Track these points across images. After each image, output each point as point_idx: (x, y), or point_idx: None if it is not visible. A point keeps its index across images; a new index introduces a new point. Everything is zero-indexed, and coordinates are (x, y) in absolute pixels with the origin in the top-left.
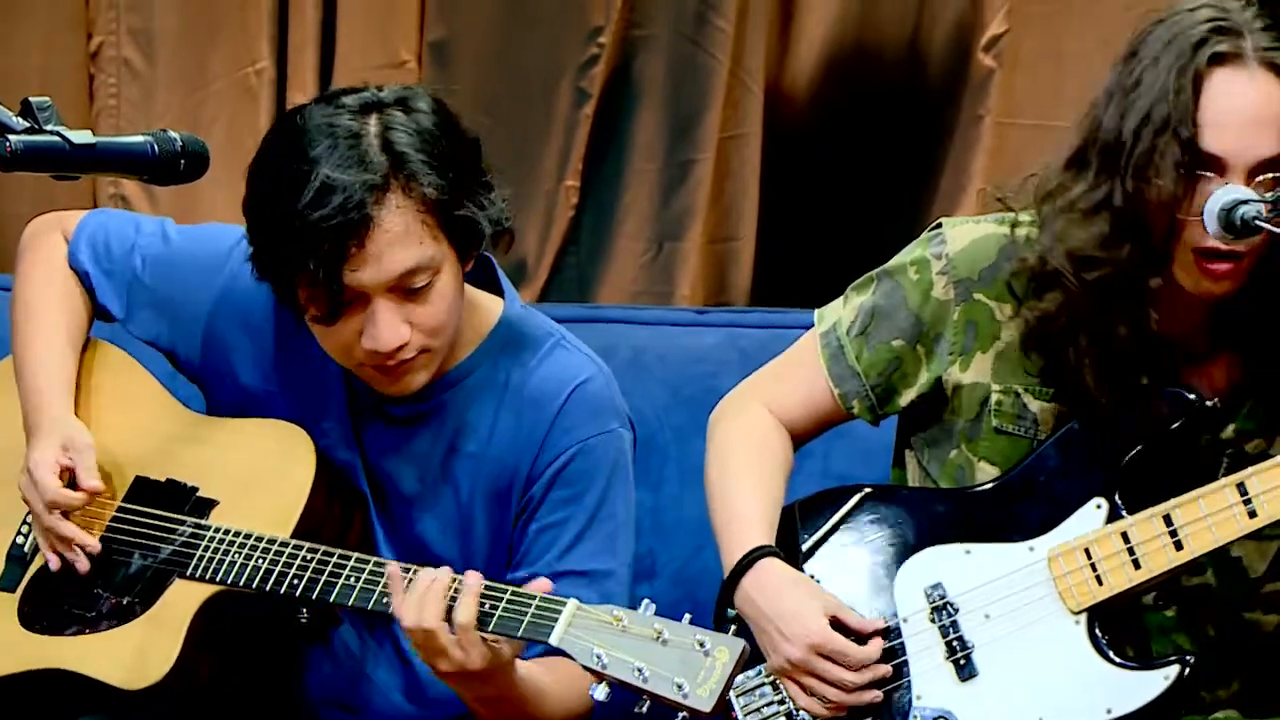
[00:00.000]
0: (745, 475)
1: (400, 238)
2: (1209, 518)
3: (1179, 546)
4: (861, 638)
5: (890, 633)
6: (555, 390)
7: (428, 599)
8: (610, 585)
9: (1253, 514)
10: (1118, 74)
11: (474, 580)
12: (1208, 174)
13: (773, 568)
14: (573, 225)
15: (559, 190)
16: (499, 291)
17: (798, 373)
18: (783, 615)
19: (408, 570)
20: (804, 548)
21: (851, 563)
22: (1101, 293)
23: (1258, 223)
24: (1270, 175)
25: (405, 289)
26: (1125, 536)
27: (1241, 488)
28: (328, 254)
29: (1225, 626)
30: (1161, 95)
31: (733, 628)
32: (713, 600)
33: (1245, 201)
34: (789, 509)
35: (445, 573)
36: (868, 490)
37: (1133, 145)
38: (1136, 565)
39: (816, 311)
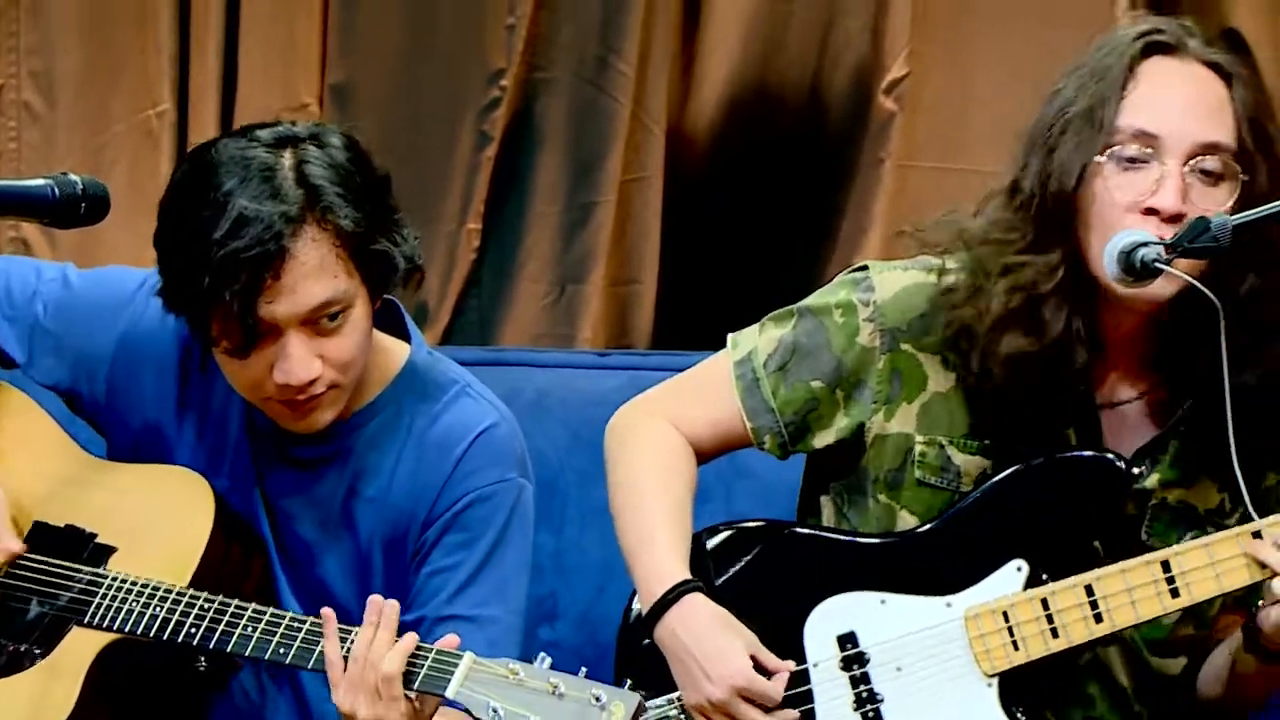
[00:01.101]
0: (658, 498)
1: (315, 270)
2: (1131, 591)
3: (1099, 619)
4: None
5: (799, 677)
6: (458, 437)
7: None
8: (497, 632)
9: (1175, 594)
10: (1058, 78)
11: (410, 639)
12: (1142, 154)
13: (698, 604)
14: (474, 268)
15: (461, 233)
16: (405, 336)
17: (708, 395)
18: (707, 654)
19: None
20: (716, 582)
21: (762, 600)
22: (1007, 275)
23: (1157, 264)
24: (1208, 159)
25: (318, 323)
26: (1045, 603)
27: (1165, 565)
28: (244, 286)
29: (1138, 675)
30: (1090, 78)
31: (629, 682)
32: (615, 642)
33: (1145, 244)
34: (699, 539)
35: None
36: (782, 527)
37: (1051, 129)
38: (1055, 634)
39: (730, 336)
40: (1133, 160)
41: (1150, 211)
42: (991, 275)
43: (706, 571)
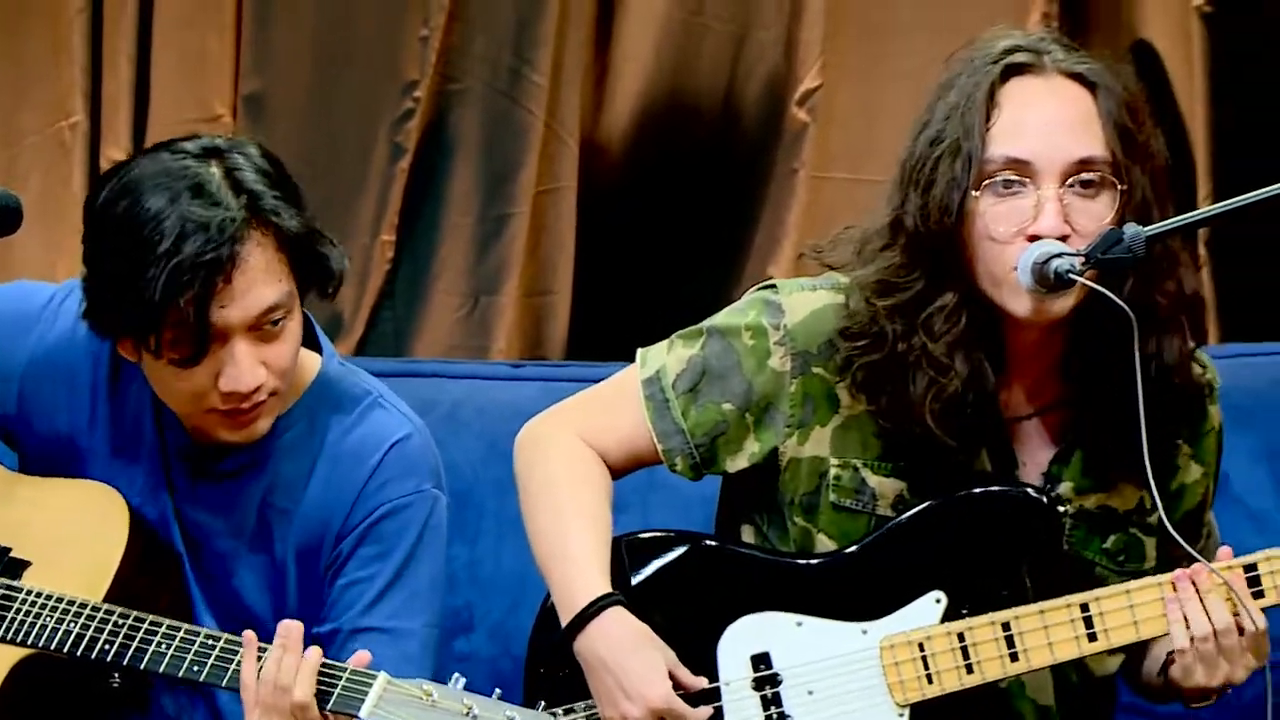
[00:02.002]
0: (574, 508)
1: (262, 274)
2: (1049, 632)
3: (1015, 659)
4: (689, 697)
5: (711, 694)
6: (371, 448)
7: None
8: (411, 645)
9: (1093, 638)
10: (924, 109)
11: (314, 655)
12: (1019, 181)
13: (620, 619)
14: (389, 279)
15: (375, 244)
16: (315, 347)
17: (617, 412)
18: (627, 671)
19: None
20: (632, 593)
21: (677, 614)
22: (904, 319)
23: (1071, 275)
24: (1083, 174)
25: (262, 329)
26: (961, 638)
27: (1084, 608)
28: (197, 292)
29: (1070, 684)
30: (955, 110)
31: (542, 703)
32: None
33: (1059, 255)
34: (618, 548)
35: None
36: (702, 542)
37: (924, 164)
38: (970, 670)
39: (639, 351)
40: (1008, 186)
41: (1034, 238)
42: (892, 323)
43: (623, 580)
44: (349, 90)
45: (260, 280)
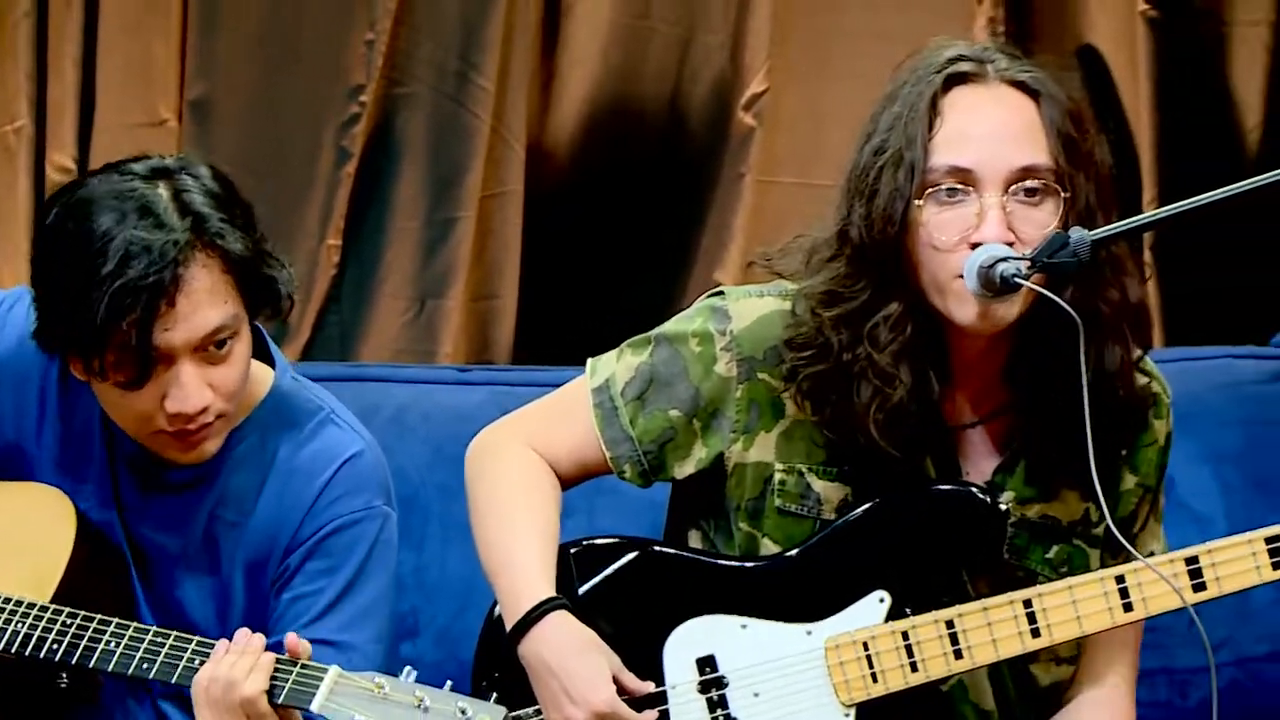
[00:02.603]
0: (522, 516)
1: (208, 297)
2: (992, 629)
3: (959, 655)
4: (634, 701)
5: (657, 698)
6: (323, 465)
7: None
8: (357, 659)
9: (1036, 634)
10: (868, 119)
11: (269, 656)
12: (962, 190)
13: (564, 623)
14: (335, 284)
15: (321, 249)
16: (268, 360)
17: (566, 422)
18: (571, 675)
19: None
20: (578, 597)
21: (623, 618)
22: (850, 329)
23: (1017, 280)
24: (1026, 181)
25: (208, 350)
26: (905, 636)
27: (1028, 604)
28: (140, 315)
29: (1018, 683)
30: (898, 120)
31: (494, 695)
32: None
33: (1005, 259)
34: (564, 555)
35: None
36: (648, 546)
37: (868, 174)
38: (914, 668)
39: (589, 361)
40: (951, 195)
41: (977, 245)
42: (838, 333)
43: (569, 585)
44: (294, 94)
45: (205, 303)
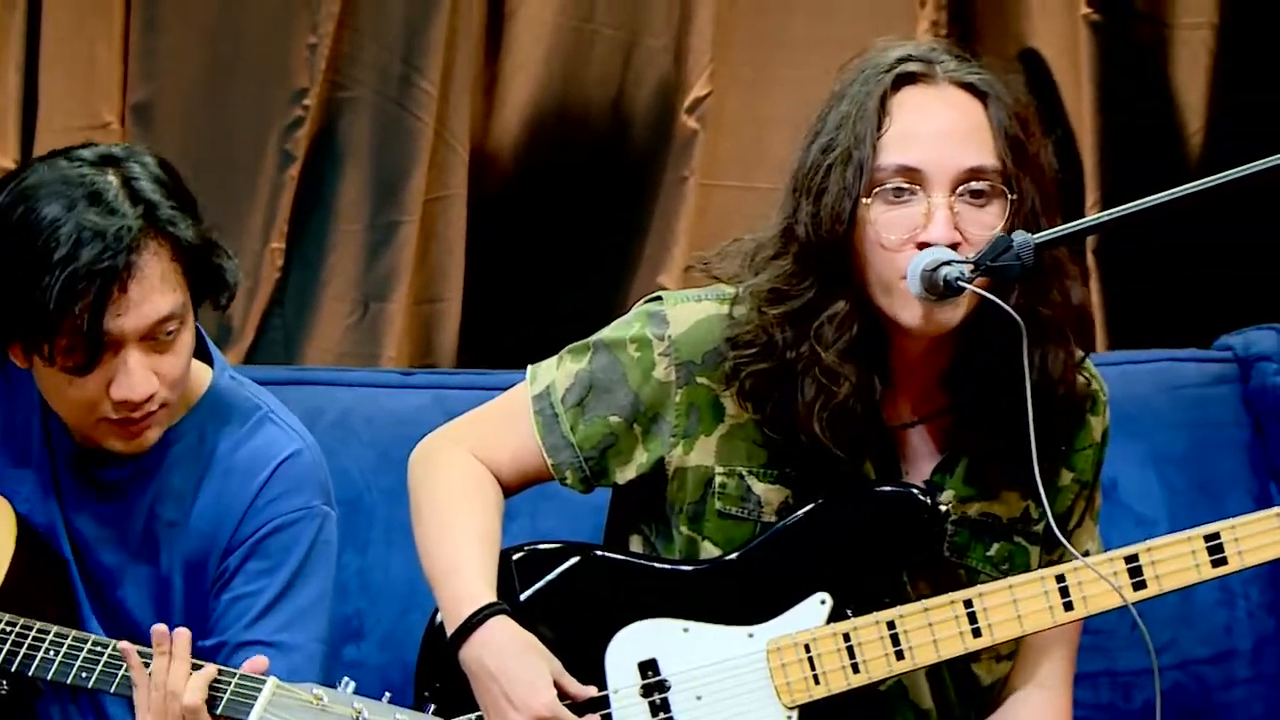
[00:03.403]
0: (463, 522)
1: (157, 284)
2: (933, 629)
3: (900, 656)
4: (577, 706)
5: (600, 702)
6: (261, 464)
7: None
8: (297, 659)
9: (977, 634)
10: (816, 118)
11: (211, 668)
12: (909, 189)
13: (504, 628)
14: (278, 287)
15: (264, 252)
16: (206, 359)
17: (508, 429)
18: (511, 680)
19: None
20: (520, 602)
21: (565, 623)
22: (795, 327)
23: (960, 283)
24: (973, 183)
25: (156, 338)
26: (847, 638)
27: (968, 604)
28: (93, 300)
29: (959, 682)
30: (846, 119)
31: (432, 706)
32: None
33: (948, 262)
34: (506, 561)
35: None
36: (589, 551)
37: (815, 173)
38: (855, 669)
39: (530, 368)
40: (899, 195)
41: (924, 245)
42: (783, 331)
43: (511, 590)
44: (238, 98)
45: (155, 290)
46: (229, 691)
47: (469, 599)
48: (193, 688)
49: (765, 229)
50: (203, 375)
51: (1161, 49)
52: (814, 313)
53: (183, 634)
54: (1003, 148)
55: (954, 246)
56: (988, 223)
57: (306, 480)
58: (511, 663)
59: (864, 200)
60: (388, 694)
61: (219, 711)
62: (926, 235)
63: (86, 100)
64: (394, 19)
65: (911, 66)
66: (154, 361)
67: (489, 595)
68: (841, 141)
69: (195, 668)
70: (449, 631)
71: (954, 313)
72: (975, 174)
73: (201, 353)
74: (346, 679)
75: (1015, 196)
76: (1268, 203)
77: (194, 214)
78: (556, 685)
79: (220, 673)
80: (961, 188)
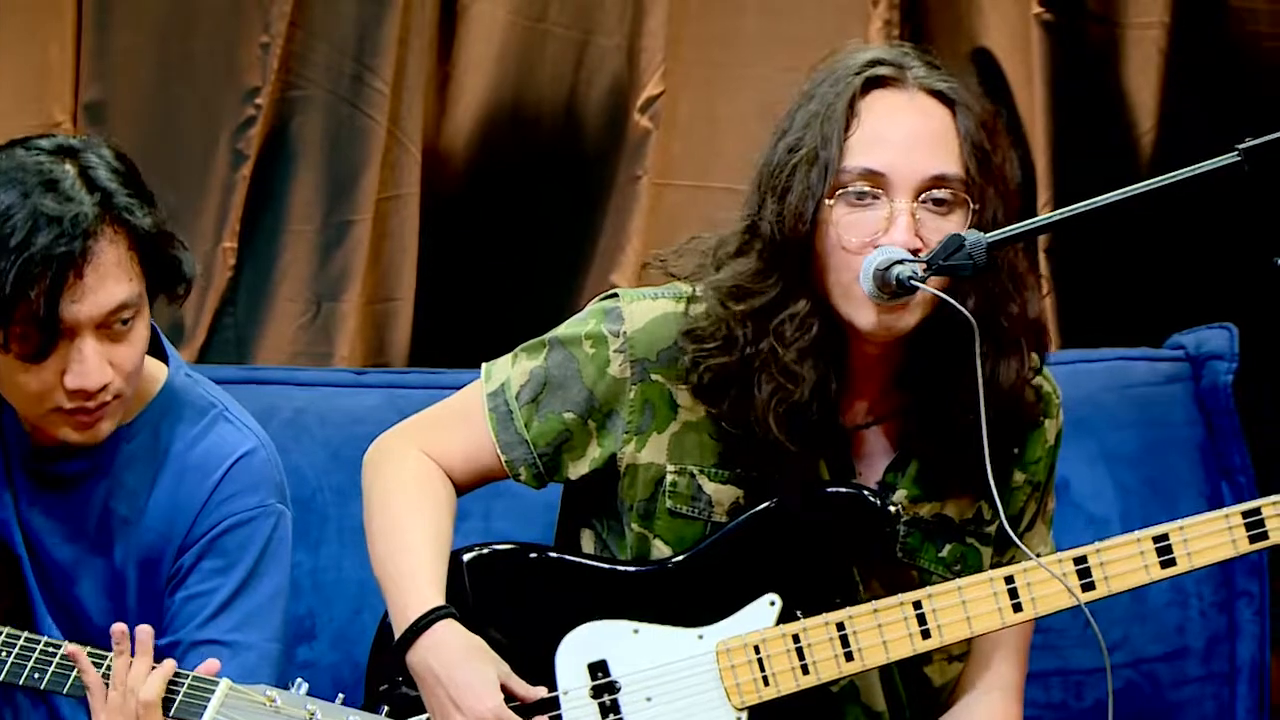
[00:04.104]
0: (413, 524)
1: (114, 271)
2: (882, 630)
3: (850, 658)
4: (525, 707)
5: (549, 704)
6: (216, 462)
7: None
8: (252, 659)
9: (926, 635)
10: (784, 116)
11: (169, 664)
12: (872, 193)
13: (450, 632)
14: (231, 286)
15: (217, 251)
16: (162, 356)
17: (462, 427)
18: (457, 684)
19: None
20: (470, 603)
21: (516, 624)
22: (756, 324)
23: (913, 282)
24: (936, 190)
25: (111, 327)
26: (796, 639)
27: (917, 605)
28: (50, 285)
29: (911, 684)
30: (814, 119)
31: (385, 708)
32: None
33: (901, 261)
34: (457, 562)
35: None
36: (542, 553)
37: (781, 171)
38: (805, 671)
39: (484, 365)
40: (861, 198)
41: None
42: (743, 327)
43: (461, 592)
44: (190, 97)
45: (111, 277)
46: (182, 693)
47: (416, 603)
48: (151, 682)
49: (727, 226)
50: (158, 373)
51: (1113, 48)
52: (775, 310)
53: (145, 630)
54: (968, 157)
55: (914, 253)
56: (949, 230)
57: (262, 479)
58: (458, 668)
59: (827, 202)
60: (341, 695)
61: (172, 713)
62: (887, 239)
63: (39, 99)
64: (346, 18)
65: (882, 70)
66: (109, 351)
67: (436, 599)
68: (808, 141)
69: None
70: (396, 635)
71: (908, 318)
72: (939, 182)
73: (157, 350)
74: (300, 680)
75: (977, 206)
76: (1219, 202)
77: (151, 204)
78: (505, 688)
79: (174, 673)
80: (924, 195)
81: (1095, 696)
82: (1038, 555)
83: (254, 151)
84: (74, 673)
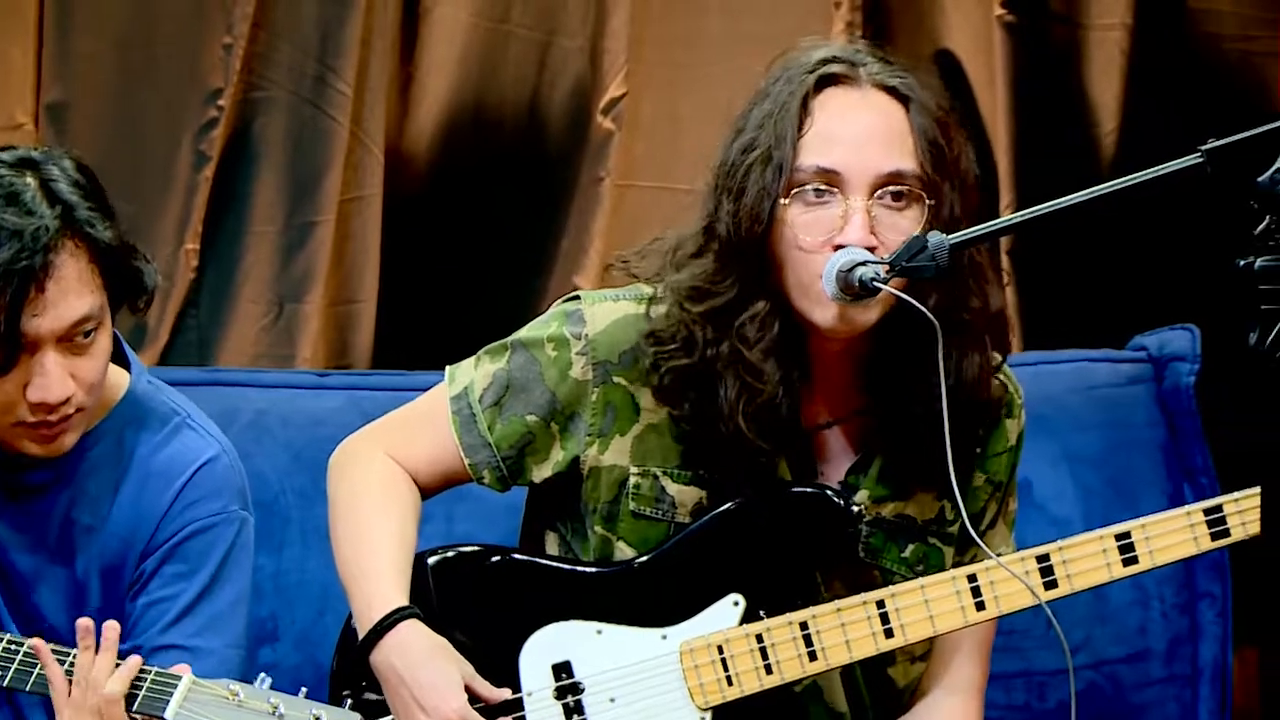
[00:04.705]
0: (378, 526)
1: (75, 285)
2: (845, 630)
3: (813, 657)
4: (489, 708)
5: (514, 705)
6: (179, 469)
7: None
8: (212, 664)
9: (890, 634)
10: (739, 116)
11: (135, 660)
12: (828, 191)
13: (414, 632)
14: (193, 288)
15: (179, 253)
16: (124, 363)
17: (426, 430)
18: (421, 684)
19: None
20: (434, 605)
21: (480, 626)
22: (716, 325)
23: (875, 283)
24: (892, 187)
25: (73, 340)
26: (760, 639)
27: (880, 604)
28: (11, 299)
29: (874, 685)
30: (768, 118)
31: (349, 701)
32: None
33: (864, 263)
34: (421, 564)
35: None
36: (506, 554)
37: (736, 171)
38: (769, 670)
39: (448, 368)
40: (818, 196)
41: (841, 248)
42: (704, 329)
43: (426, 594)
44: (152, 98)
45: (73, 291)
46: (145, 688)
47: (380, 603)
48: (116, 677)
49: (686, 227)
50: (120, 381)
51: (1075, 49)
52: (735, 311)
53: (111, 626)
54: (923, 153)
55: (870, 250)
56: (905, 227)
57: (224, 485)
58: (421, 668)
59: (782, 201)
60: (304, 689)
61: (135, 708)
62: (843, 238)
63: (0, 101)
64: (309, 19)
65: (835, 68)
66: (71, 364)
67: (400, 599)
68: (763, 141)
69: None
70: (360, 636)
71: (868, 313)
72: (894, 178)
73: (119, 357)
74: (263, 675)
75: (933, 202)
76: (1181, 203)
77: (112, 217)
78: (468, 689)
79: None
80: (880, 191)
81: (1058, 698)
82: (999, 554)
83: (216, 153)
84: (37, 669)
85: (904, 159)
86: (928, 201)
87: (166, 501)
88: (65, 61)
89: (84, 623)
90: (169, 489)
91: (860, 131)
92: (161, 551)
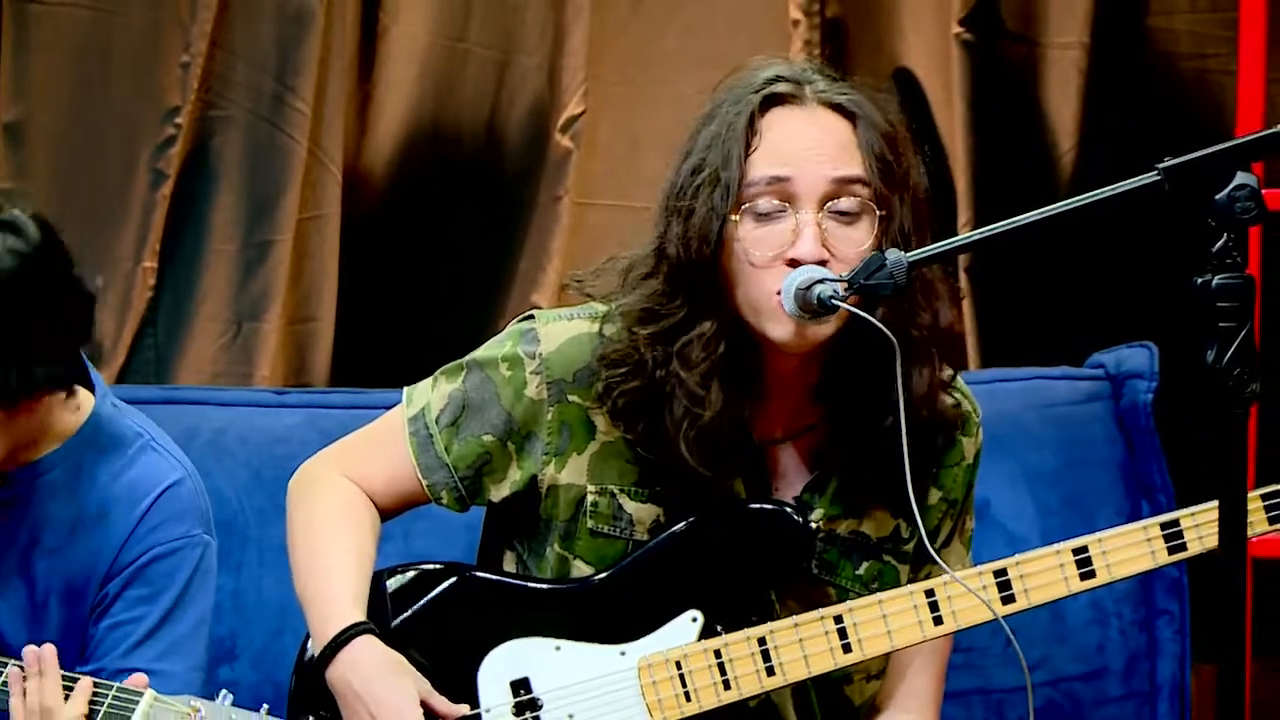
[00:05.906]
0: (335, 545)
1: None
2: (803, 645)
3: (771, 672)
4: None
5: None
6: (142, 493)
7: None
8: (175, 687)
9: (847, 649)
10: (687, 137)
11: (87, 681)
12: (777, 207)
13: (369, 647)
14: (151, 306)
15: (136, 271)
16: (88, 384)
17: (383, 452)
18: (377, 700)
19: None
20: (393, 623)
21: (438, 643)
22: (665, 348)
23: (834, 301)
24: (842, 200)
25: None
26: (718, 654)
27: (839, 619)
28: None
29: (829, 704)
30: (716, 139)
31: (310, 718)
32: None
33: (822, 280)
34: (378, 583)
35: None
36: (463, 572)
37: (684, 193)
38: (727, 686)
39: (405, 390)
40: (768, 213)
41: (793, 263)
42: (652, 351)
43: (384, 612)
44: (110, 117)
45: None
46: (106, 704)
47: (336, 618)
48: (74, 700)
49: (639, 248)
50: (84, 403)
51: (1033, 68)
52: (681, 332)
53: (48, 649)
54: (870, 166)
55: (822, 264)
56: (857, 240)
57: (188, 509)
58: (377, 684)
59: (732, 218)
60: (265, 705)
61: None
62: (795, 252)
63: None
64: (266, 38)
65: (780, 87)
66: None
67: (356, 615)
68: (711, 162)
69: (69, 684)
70: (315, 652)
71: (825, 328)
72: (843, 186)
73: (84, 380)
74: (224, 691)
75: (884, 213)
76: (1139, 221)
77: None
78: (425, 705)
79: (97, 685)
80: (830, 204)
81: (1016, 715)
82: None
83: (174, 171)
84: None
85: (853, 167)
86: (878, 213)
87: (130, 525)
88: (23, 79)
89: (30, 651)
90: (133, 512)
91: (807, 147)
92: (125, 575)
